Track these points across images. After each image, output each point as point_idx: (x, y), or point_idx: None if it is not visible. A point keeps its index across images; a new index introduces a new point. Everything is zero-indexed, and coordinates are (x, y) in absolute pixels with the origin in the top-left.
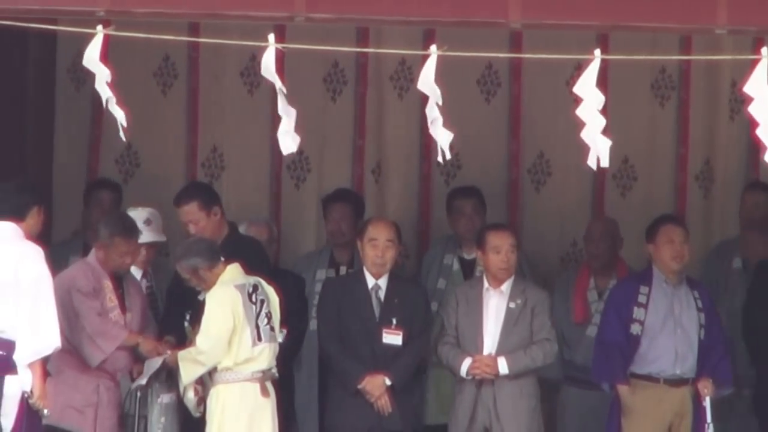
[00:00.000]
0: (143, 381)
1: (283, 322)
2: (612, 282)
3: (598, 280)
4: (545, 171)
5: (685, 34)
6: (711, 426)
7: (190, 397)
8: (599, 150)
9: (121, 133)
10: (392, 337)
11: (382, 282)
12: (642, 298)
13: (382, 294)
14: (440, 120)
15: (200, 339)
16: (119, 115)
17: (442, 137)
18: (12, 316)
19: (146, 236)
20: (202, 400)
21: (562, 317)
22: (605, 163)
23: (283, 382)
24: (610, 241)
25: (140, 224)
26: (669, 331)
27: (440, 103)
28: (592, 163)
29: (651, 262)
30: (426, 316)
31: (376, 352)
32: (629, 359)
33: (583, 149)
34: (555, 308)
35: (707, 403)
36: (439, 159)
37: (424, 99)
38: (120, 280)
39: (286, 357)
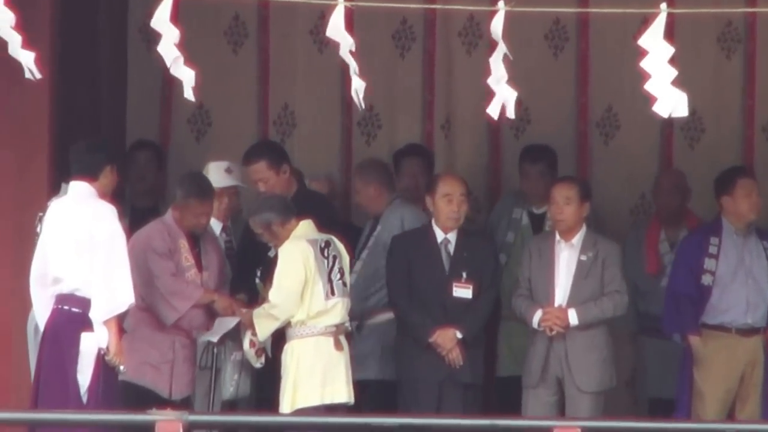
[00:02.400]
0: (215, 338)
1: None
2: (682, 233)
3: (668, 231)
4: (614, 124)
5: None
6: None
7: (248, 349)
8: (674, 100)
9: (188, 94)
10: (462, 291)
11: (452, 236)
12: (713, 249)
13: (451, 248)
14: (506, 78)
15: (272, 293)
16: (186, 75)
17: (508, 95)
18: (87, 275)
19: (227, 181)
20: (261, 351)
21: (635, 269)
22: (684, 112)
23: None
24: (679, 192)
25: (221, 172)
26: (740, 281)
27: (510, 57)
28: (662, 112)
29: (720, 213)
30: (495, 269)
31: (447, 305)
32: (700, 310)
33: (652, 102)
34: (627, 260)
35: None
36: (508, 114)
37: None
38: (197, 238)
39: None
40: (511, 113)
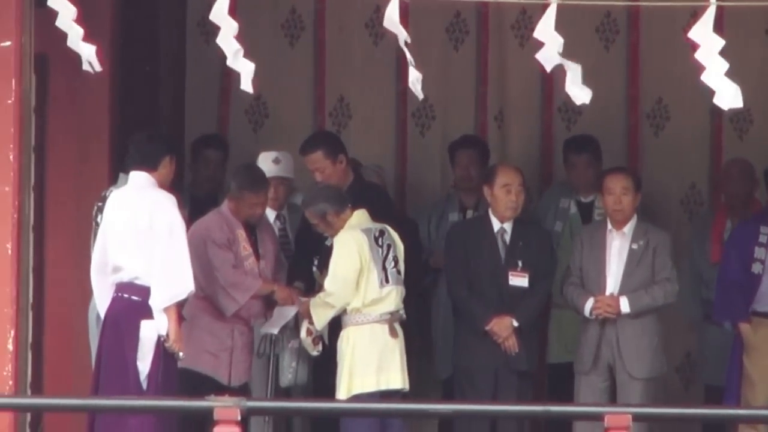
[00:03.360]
0: (276, 330)
1: None
2: None
3: (734, 221)
4: (664, 116)
5: None
6: None
7: (304, 337)
8: (727, 92)
9: (247, 86)
10: (518, 279)
11: (507, 226)
12: (763, 238)
13: (507, 237)
14: (571, 67)
15: (328, 281)
16: (245, 67)
17: (574, 83)
18: (147, 263)
19: (274, 171)
20: (318, 339)
21: (699, 258)
22: (739, 103)
23: (421, 324)
24: (748, 181)
25: (269, 162)
26: None
27: (560, 51)
28: (721, 104)
29: None
30: (551, 258)
31: (503, 294)
32: (750, 298)
33: (702, 94)
34: (693, 249)
35: None
36: (578, 102)
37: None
38: (253, 228)
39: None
40: (586, 97)
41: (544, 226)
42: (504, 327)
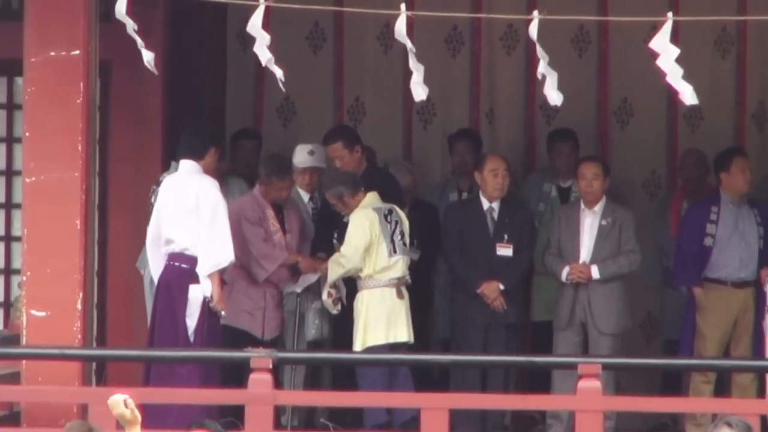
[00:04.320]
0: (299, 289)
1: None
2: None
3: (689, 201)
4: (628, 113)
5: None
6: None
7: (325, 298)
8: (686, 91)
9: (281, 86)
10: (504, 250)
11: (495, 205)
12: (713, 216)
13: (495, 215)
14: (550, 73)
15: (344, 248)
16: (278, 72)
17: (552, 88)
18: (194, 237)
19: (309, 162)
20: (337, 300)
21: (659, 232)
22: (695, 101)
23: (424, 290)
24: (701, 167)
25: (305, 153)
26: (735, 243)
27: (546, 57)
28: (686, 101)
29: (719, 187)
30: (531, 233)
31: (491, 262)
32: (702, 266)
33: (660, 94)
34: (654, 225)
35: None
36: (552, 103)
37: (529, 55)
38: (280, 207)
39: (424, 270)
40: (558, 99)
41: (530, 206)
42: (492, 290)
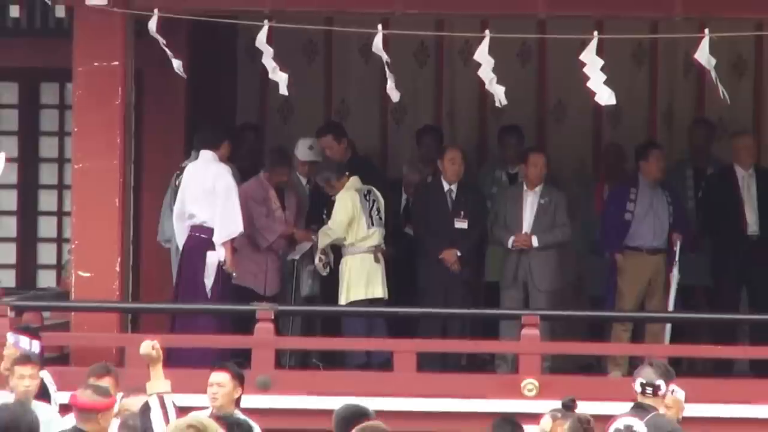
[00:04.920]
0: (297, 256)
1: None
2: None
3: (610, 185)
4: (562, 112)
5: (653, 21)
6: (677, 265)
7: (317, 262)
8: (605, 94)
9: (283, 90)
10: (461, 224)
11: (454, 187)
12: (632, 196)
13: (453, 195)
14: (495, 79)
15: (330, 222)
16: (280, 78)
17: (498, 90)
18: (211, 212)
19: (309, 156)
20: (327, 264)
21: (587, 210)
22: (612, 101)
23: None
24: (621, 158)
25: (306, 148)
26: (649, 218)
27: (492, 68)
28: (601, 101)
29: (638, 172)
30: (483, 210)
31: (450, 233)
32: (623, 237)
33: (588, 97)
34: (582, 204)
35: (677, 246)
36: (498, 104)
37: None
38: (282, 189)
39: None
40: (502, 101)
41: (484, 189)
42: (451, 255)
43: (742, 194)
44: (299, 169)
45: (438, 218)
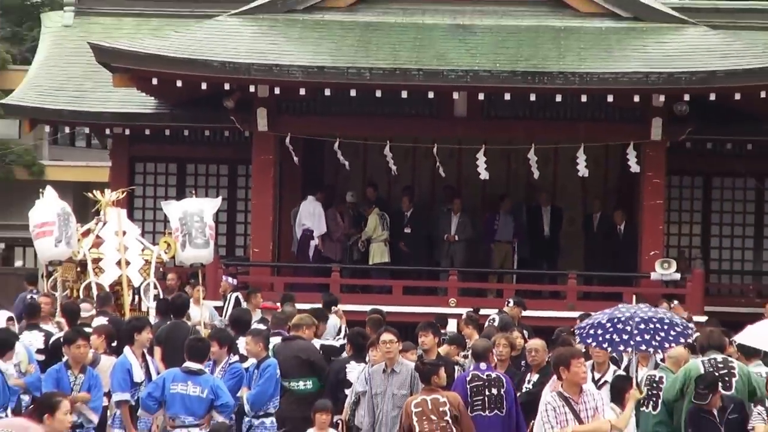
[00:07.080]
0: (350, 242)
1: None
2: None
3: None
4: None
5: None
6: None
7: (359, 245)
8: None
9: (344, 164)
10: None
11: None
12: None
13: None
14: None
15: (366, 228)
16: (344, 161)
17: None
18: (312, 223)
19: (351, 198)
20: (363, 245)
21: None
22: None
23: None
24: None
25: (350, 195)
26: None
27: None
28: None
29: None
30: None
31: None
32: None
33: None
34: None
35: None
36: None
37: None
38: (342, 213)
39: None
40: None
41: None
42: None
43: None
44: (348, 204)
45: None
